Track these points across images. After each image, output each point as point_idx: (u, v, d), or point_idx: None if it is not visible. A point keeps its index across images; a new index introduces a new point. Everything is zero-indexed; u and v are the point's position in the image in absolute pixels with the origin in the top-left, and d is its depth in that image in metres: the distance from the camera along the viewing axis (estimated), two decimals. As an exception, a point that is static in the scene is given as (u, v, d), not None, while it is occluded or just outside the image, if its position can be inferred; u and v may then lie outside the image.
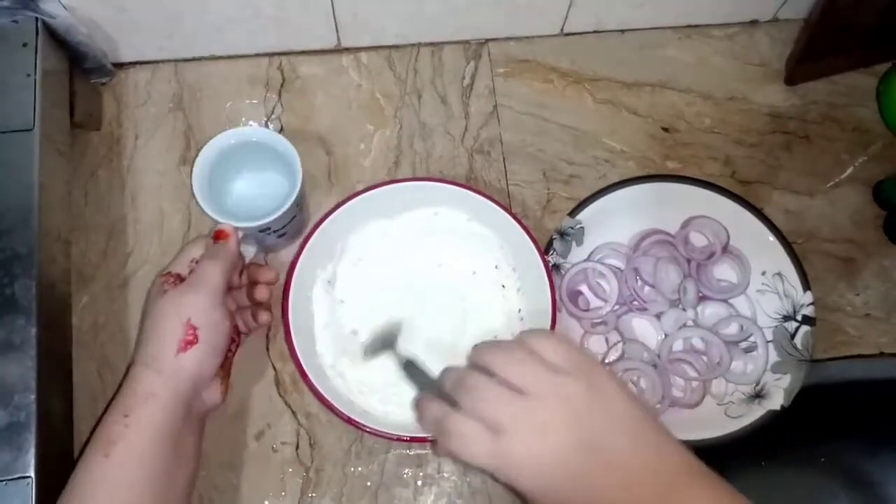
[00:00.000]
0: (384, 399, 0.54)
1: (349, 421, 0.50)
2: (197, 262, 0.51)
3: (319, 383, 0.51)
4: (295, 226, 0.57)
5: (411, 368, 0.49)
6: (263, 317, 0.54)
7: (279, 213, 0.51)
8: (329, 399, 0.51)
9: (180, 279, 0.49)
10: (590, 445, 0.39)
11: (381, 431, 0.50)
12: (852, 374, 0.60)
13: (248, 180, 0.58)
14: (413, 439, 0.51)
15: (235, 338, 0.53)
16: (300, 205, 0.55)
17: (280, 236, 0.56)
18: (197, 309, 0.47)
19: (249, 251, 0.54)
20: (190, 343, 0.46)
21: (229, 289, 0.52)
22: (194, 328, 0.46)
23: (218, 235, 0.51)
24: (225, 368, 0.51)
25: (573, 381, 0.40)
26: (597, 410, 0.40)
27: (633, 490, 0.39)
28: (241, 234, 0.52)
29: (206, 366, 0.47)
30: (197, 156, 0.53)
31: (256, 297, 0.54)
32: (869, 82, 0.67)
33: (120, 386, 0.47)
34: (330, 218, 0.55)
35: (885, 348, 0.60)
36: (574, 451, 0.39)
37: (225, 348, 0.49)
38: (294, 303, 0.53)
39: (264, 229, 0.53)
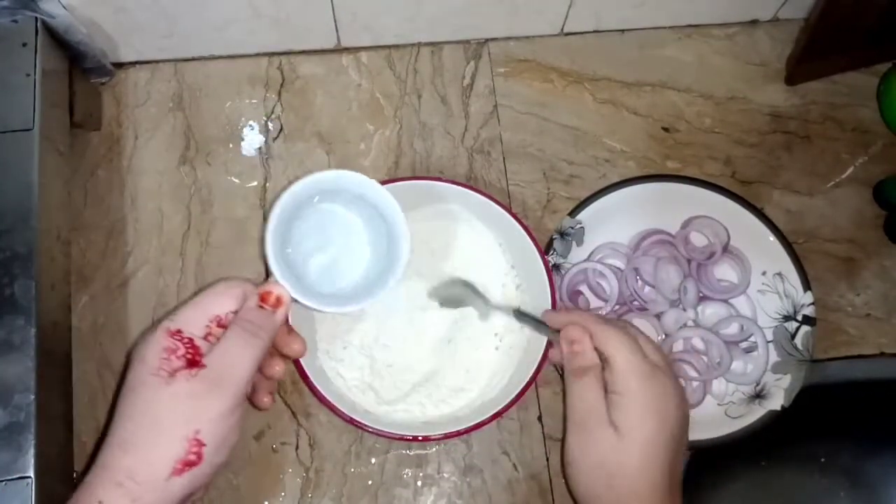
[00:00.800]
0: (383, 398, 0.54)
1: (351, 421, 0.50)
2: (221, 326, 0.38)
3: (320, 384, 0.51)
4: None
5: (520, 314, 0.53)
6: (265, 401, 0.43)
7: (382, 292, 0.42)
8: (330, 399, 0.50)
9: (193, 351, 0.36)
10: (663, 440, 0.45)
11: (383, 431, 0.50)
12: (852, 374, 0.60)
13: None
14: (414, 439, 0.51)
15: None
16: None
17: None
18: (212, 420, 0.35)
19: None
20: (190, 464, 0.34)
21: None
22: (201, 445, 0.35)
23: (267, 299, 0.40)
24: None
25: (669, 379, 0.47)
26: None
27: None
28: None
29: (199, 485, 0.36)
30: (274, 204, 0.42)
31: (267, 371, 0.42)
32: (869, 82, 0.67)
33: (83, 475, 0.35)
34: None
35: (885, 348, 0.60)
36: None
37: (226, 461, 0.38)
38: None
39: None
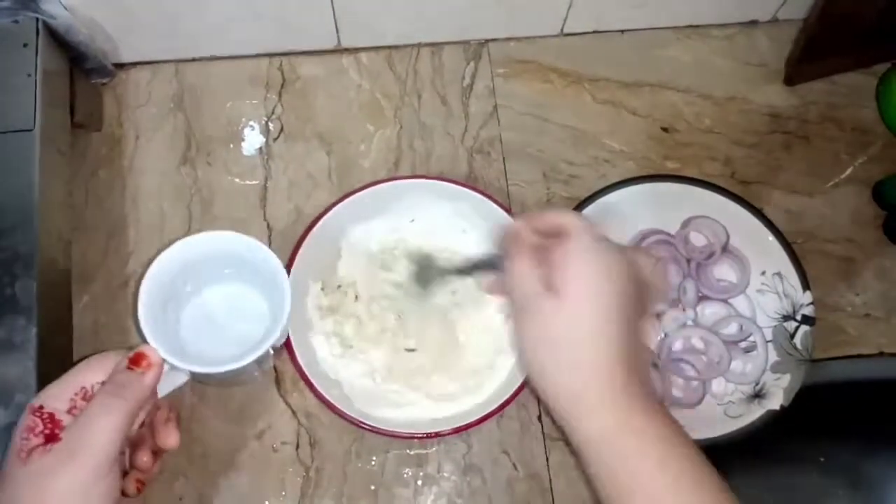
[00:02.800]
0: (380, 399, 0.54)
1: (356, 423, 0.51)
2: (87, 399, 0.35)
3: (321, 385, 0.51)
4: (268, 358, 0.47)
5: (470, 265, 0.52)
6: (130, 488, 0.39)
7: (255, 355, 0.40)
8: (332, 401, 0.50)
9: (52, 425, 0.34)
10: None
11: (389, 431, 0.50)
12: (852, 374, 0.60)
13: (214, 293, 0.49)
14: (414, 436, 0.51)
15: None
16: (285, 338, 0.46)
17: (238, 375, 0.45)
18: (64, 494, 0.32)
19: (178, 379, 0.41)
20: None
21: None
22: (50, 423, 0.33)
23: (136, 361, 0.37)
24: None
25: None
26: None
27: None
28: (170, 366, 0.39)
29: None
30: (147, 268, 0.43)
31: (135, 460, 0.40)
32: (869, 82, 0.67)
33: None
34: (330, 213, 0.55)
35: (885, 348, 0.60)
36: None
37: None
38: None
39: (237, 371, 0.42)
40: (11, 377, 0.45)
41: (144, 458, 0.40)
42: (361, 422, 0.50)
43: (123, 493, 0.38)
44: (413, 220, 0.58)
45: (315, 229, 0.55)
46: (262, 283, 0.47)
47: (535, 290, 0.40)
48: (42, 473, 0.32)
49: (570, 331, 0.39)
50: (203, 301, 0.50)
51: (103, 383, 0.37)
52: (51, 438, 0.34)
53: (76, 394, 0.35)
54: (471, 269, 0.52)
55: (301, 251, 0.54)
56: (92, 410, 0.34)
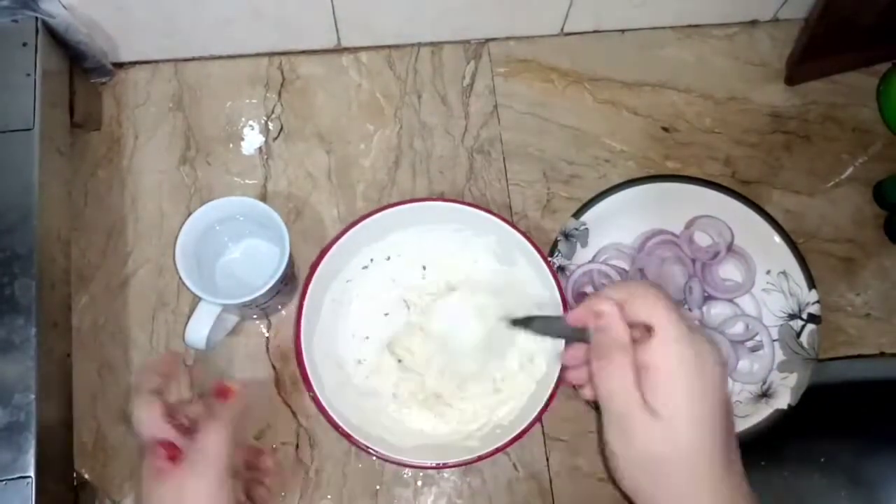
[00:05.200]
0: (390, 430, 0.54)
1: (376, 454, 0.50)
2: (174, 414, 0.44)
3: (336, 413, 0.50)
4: (282, 297, 0.55)
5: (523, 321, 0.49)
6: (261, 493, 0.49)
7: (262, 290, 0.49)
8: (346, 429, 0.50)
9: (172, 449, 0.42)
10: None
11: (395, 459, 0.50)
12: (852, 374, 0.60)
13: (240, 249, 0.57)
14: (423, 467, 0.52)
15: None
16: (287, 278, 0.53)
17: (264, 309, 0.55)
18: (203, 497, 0.41)
19: (231, 321, 0.54)
20: None
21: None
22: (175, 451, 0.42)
23: (221, 394, 0.45)
24: None
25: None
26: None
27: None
28: (223, 306, 0.50)
29: None
30: (180, 229, 0.50)
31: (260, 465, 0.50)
32: (869, 82, 0.67)
33: None
34: (338, 242, 0.54)
35: (885, 348, 0.60)
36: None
37: None
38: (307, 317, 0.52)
39: (247, 304, 0.51)
40: (10, 377, 0.45)
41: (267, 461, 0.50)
42: (382, 454, 0.50)
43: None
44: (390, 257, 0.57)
45: (337, 243, 0.54)
46: (272, 238, 0.54)
47: (636, 406, 0.39)
48: (178, 485, 0.41)
49: (667, 450, 0.39)
50: (230, 254, 0.57)
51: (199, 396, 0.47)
52: (173, 458, 0.42)
53: (166, 414, 0.43)
54: (526, 323, 0.49)
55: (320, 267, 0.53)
56: (206, 433, 0.42)
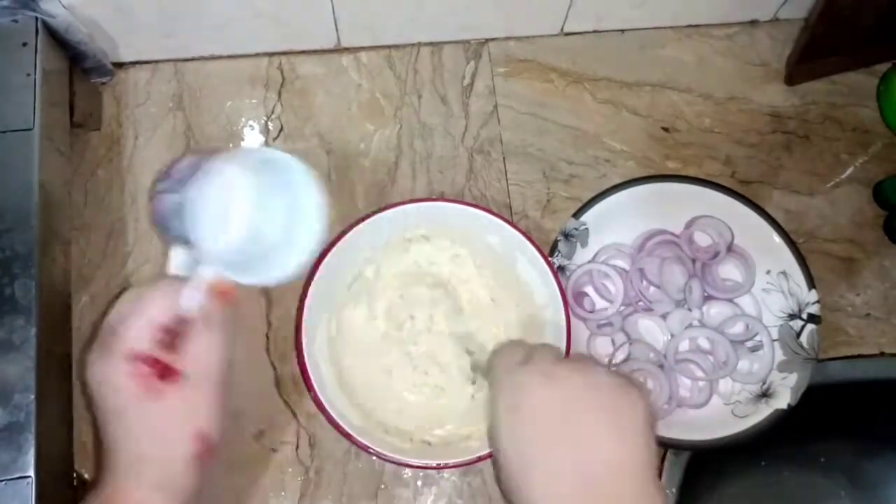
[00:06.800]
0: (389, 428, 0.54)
1: (378, 454, 0.50)
2: (171, 333, 0.39)
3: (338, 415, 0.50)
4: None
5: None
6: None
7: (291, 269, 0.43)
8: (346, 428, 0.50)
9: (161, 365, 0.38)
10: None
11: (392, 457, 0.49)
12: (852, 374, 0.60)
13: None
14: (426, 467, 0.51)
15: None
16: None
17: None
18: (210, 417, 0.39)
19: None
20: (202, 457, 0.38)
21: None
22: (209, 443, 0.39)
23: (222, 295, 0.41)
24: None
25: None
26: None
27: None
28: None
29: (211, 469, 0.40)
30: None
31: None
32: (869, 82, 0.67)
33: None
34: (339, 243, 0.53)
35: (885, 348, 0.60)
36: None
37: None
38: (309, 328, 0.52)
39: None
40: (10, 377, 0.45)
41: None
42: (382, 454, 0.49)
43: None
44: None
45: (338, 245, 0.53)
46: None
47: None
48: (182, 402, 0.38)
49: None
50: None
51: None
52: (166, 376, 0.38)
53: (159, 332, 0.39)
54: None
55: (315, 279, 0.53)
56: (205, 347, 0.39)
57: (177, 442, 0.38)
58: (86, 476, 0.53)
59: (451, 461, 0.50)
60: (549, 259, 0.55)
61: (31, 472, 0.44)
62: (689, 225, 0.61)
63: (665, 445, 0.55)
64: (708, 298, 0.59)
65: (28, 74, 0.51)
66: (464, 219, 0.55)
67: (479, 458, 0.49)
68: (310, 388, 0.50)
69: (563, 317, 0.52)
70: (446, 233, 0.57)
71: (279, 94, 0.65)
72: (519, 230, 0.54)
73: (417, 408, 0.54)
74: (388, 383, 0.55)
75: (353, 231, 0.53)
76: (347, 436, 0.50)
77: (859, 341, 0.60)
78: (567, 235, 0.59)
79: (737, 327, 0.59)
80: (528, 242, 0.53)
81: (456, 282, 0.57)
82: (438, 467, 0.50)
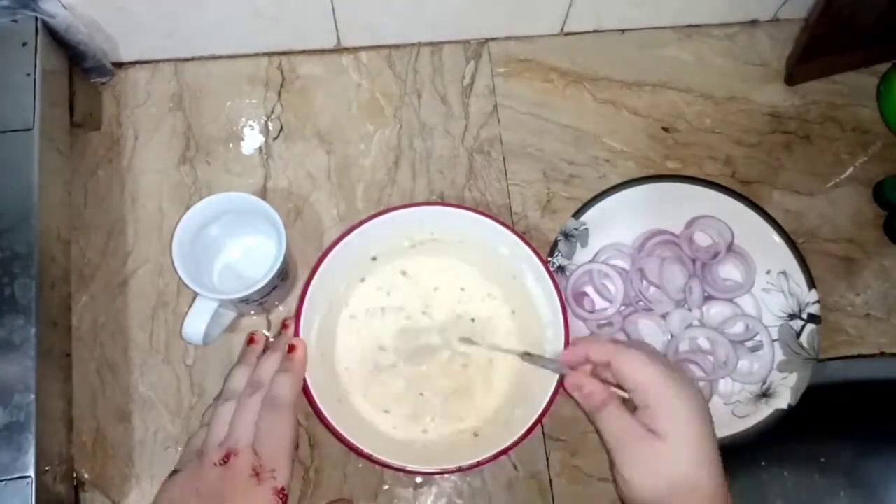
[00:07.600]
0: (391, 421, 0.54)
1: (379, 462, 0.50)
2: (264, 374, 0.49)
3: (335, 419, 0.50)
4: (279, 293, 0.55)
5: (529, 357, 0.53)
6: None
7: (258, 285, 0.49)
8: (348, 437, 0.50)
9: (253, 460, 0.47)
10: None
11: (393, 464, 0.49)
12: (852, 374, 0.60)
13: (240, 248, 0.58)
14: (420, 472, 0.51)
15: None
16: (284, 273, 0.53)
17: (261, 304, 0.55)
18: (286, 473, 0.47)
19: (228, 316, 0.55)
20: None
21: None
22: (285, 496, 0.47)
23: (291, 349, 0.50)
24: None
25: None
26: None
27: None
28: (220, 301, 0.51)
29: None
30: (177, 225, 0.50)
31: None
32: (869, 82, 0.67)
33: None
34: (340, 244, 0.53)
35: (885, 348, 0.60)
36: None
37: None
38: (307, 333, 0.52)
39: (244, 300, 0.51)
40: (10, 377, 0.45)
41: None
42: (383, 461, 0.49)
43: None
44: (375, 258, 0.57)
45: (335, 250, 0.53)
46: (272, 234, 0.53)
47: (639, 434, 0.46)
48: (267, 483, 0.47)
49: (679, 469, 0.45)
50: (230, 251, 0.58)
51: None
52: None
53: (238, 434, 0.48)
54: (531, 359, 0.53)
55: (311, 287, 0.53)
56: (274, 384, 0.49)
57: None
58: (86, 476, 0.53)
59: (451, 466, 0.49)
60: (548, 260, 0.55)
61: (31, 472, 0.44)
62: (689, 225, 0.61)
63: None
64: (708, 298, 0.59)
65: (28, 74, 0.51)
66: (457, 220, 0.55)
67: (479, 463, 0.49)
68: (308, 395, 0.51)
69: (562, 319, 0.52)
70: (448, 236, 0.57)
71: (279, 94, 0.65)
72: (517, 234, 0.54)
73: (421, 406, 0.55)
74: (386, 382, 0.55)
75: (353, 233, 0.53)
76: (345, 442, 0.50)
77: (859, 341, 0.60)
78: (567, 235, 0.59)
79: (737, 327, 0.59)
80: (525, 246, 0.54)
81: (457, 285, 0.57)
82: (440, 472, 0.50)
